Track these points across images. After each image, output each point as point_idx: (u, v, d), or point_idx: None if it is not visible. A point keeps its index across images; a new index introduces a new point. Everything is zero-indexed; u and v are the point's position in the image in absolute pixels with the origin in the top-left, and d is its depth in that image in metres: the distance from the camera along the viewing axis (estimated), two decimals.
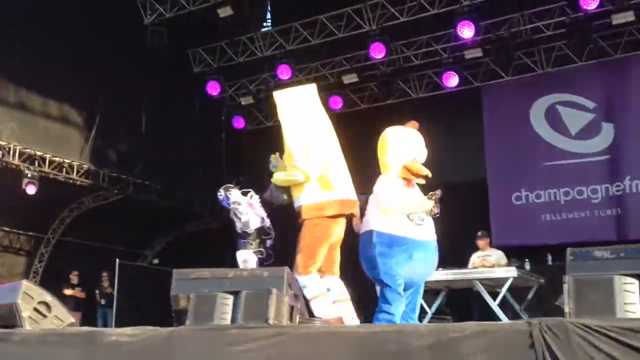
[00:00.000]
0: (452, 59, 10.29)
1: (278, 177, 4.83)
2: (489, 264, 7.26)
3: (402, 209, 4.53)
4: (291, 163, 4.75)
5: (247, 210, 6.10)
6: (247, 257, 5.99)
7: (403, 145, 4.71)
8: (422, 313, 6.76)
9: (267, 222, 6.31)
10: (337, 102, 11.14)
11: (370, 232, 4.56)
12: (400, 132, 4.81)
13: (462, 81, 10.35)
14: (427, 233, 4.59)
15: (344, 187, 4.83)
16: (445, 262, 6.83)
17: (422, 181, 4.69)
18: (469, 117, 10.65)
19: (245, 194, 6.26)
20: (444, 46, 10.17)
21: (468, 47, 10.00)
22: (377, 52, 9.79)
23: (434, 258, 4.63)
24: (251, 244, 6.21)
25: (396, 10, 9.47)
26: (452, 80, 10.34)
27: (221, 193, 6.37)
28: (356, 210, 4.88)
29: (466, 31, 9.30)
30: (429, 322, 6.46)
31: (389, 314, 4.46)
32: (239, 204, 6.21)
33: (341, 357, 3.50)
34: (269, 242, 6.13)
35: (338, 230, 4.81)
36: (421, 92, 10.88)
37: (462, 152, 10.54)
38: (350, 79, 10.72)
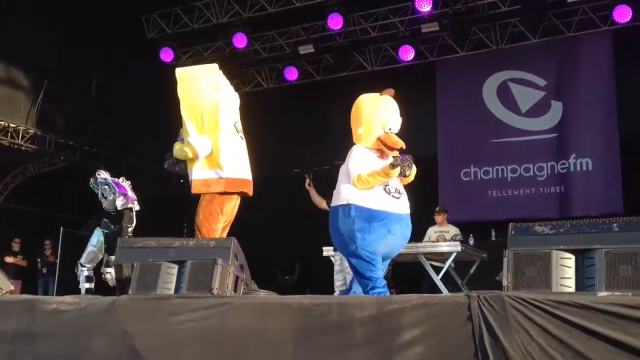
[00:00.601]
0: (408, 32, 10.27)
1: (174, 149, 5.08)
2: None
3: (370, 181, 4.46)
4: (187, 138, 4.98)
5: (115, 190, 6.31)
6: (101, 238, 6.27)
7: (377, 115, 4.63)
8: None
9: (136, 206, 6.45)
10: (293, 73, 11.04)
11: (348, 205, 4.47)
12: (374, 100, 4.72)
13: (417, 55, 10.36)
14: (403, 206, 4.58)
15: (235, 166, 5.03)
16: None
17: (396, 153, 4.64)
18: (423, 92, 10.69)
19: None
20: (401, 19, 10.12)
21: (425, 21, 9.99)
22: (335, 23, 9.71)
23: (408, 231, 4.64)
24: (109, 225, 6.40)
25: None
26: (408, 54, 10.34)
27: (91, 182, 6.56)
28: (248, 189, 5.12)
29: (424, 5, 9.29)
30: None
31: (382, 287, 4.41)
32: (106, 185, 6.44)
33: (284, 328, 3.51)
34: (130, 228, 6.30)
35: (229, 207, 5.04)
36: (377, 65, 10.85)
37: (416, 127, 10.54)
38: (306, 49, 10.61)
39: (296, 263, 10.43)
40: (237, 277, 4.10)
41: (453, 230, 7.99)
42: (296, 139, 11.22)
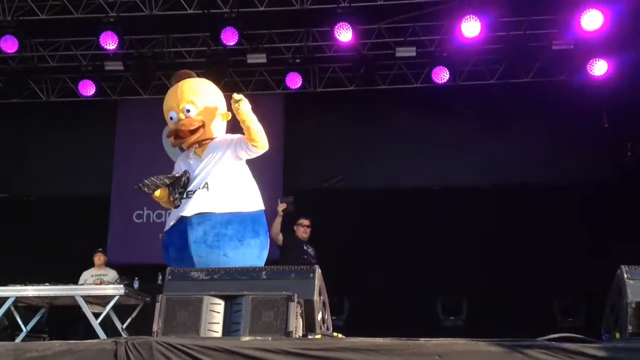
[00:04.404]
0: (91, 67, 9.95)
1: None
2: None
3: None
4: None
5: None
6: None
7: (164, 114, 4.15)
8: (17, 331, 6.30)
9: None
10: None
11: None
12: None
13: (99, 91, 10.05)
14: (180, 212, 3.89)
15: None
16: (50, 278, 6.51)
17: (188, 138, 4.00)
18: (101, 130, 10.46)
19: None
20: (83, 53, 9.78)
21: (109, 58, 9.79)
22: (9, 46, 8.97)
23: (191, 238, 3.83)
24: None
25: (36, 6, 8.81)
26: (89, 90, 9.98)
27: None
28: None
29: (110, 42, 9.08)
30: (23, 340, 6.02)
31: None
32: None
33: None
34: None
35: None
36: (53, 95, 10.27)
37: (91, 166, 10.27)
38: None
39: None
40: None
41: (112, 273, 7.79)
42: None
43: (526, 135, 9.67)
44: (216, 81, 9.80)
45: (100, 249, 8.05)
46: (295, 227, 7.19)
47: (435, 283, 8.82)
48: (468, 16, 8.21)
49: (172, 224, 3.94)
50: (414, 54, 9.24)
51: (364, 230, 9.32)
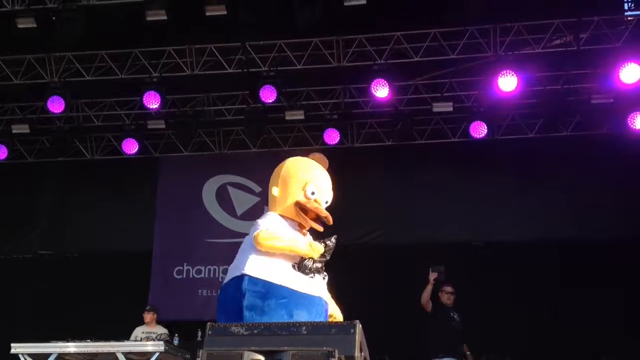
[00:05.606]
0: (134, 126, 10.22)
1: None
2: None
3: (276, 243, 3.66)
4: None
5: None
6: None
7: (297, 174, 3.93)
8: None
9: None
10: (2, 152, 10.20)
11: (241, 277, 3.68)
12: (298, 159, 4.05)
13: (141, 149, 10.30)
14: (316, 287, 3.78)
15: None
16: (93, 334, 6.56)
17: (319, 227, 3.87)
18: (143, 187, 10.66)
19: None
20: (127, 112, 10.07)
21: (152, 117, 10.06)
22: (56, 107, 9.27)
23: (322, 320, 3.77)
24: None
25: (83, 68, 9.15)
26: (132, 148, 10.23)
27: None
28: None
29: (152, 102, 9.33)
30: None
31: None
32: None
33: None
34: None
35: None
36: (97, 154, 10.56)
37: (132, 221, 10.45)
38: (20, 129, 9.96)
39: None
40: None
41: (161, 331, 7.84)
42: None
43: (566, 189, 9.56)
44: (255, 138, 10.18)
45: (149, 307, 8.11)
46: (439, 294, 7.35)
47: (478, 341, 8.61)
48: (505, 71, 8.25)
49: (301, 290, 3.76)
50: (451, 109, 9.27)
51: (403, 287, 9.19)
